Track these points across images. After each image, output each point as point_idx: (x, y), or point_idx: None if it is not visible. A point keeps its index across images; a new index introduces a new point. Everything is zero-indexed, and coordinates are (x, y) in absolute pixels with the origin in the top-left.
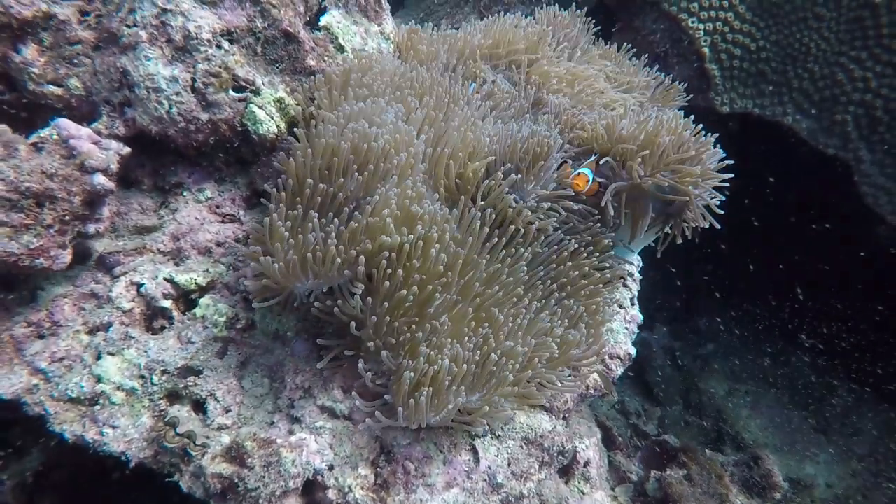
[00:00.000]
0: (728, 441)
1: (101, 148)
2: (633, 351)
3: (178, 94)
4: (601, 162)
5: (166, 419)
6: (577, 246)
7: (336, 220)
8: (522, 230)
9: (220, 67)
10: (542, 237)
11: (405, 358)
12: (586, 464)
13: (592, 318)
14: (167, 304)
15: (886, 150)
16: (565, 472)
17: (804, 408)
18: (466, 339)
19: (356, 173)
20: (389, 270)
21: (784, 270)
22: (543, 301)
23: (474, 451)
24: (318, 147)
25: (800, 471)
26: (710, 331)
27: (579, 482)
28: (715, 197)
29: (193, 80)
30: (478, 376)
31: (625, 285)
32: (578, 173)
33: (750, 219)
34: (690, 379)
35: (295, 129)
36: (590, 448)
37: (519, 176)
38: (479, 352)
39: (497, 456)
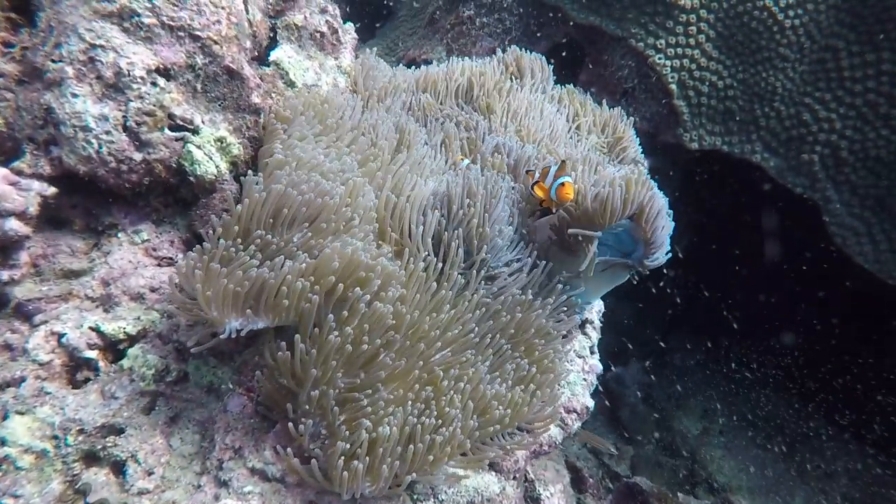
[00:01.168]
0: (702, 483)
1: (19, 189)
2: (590, 403)
3: (108, 132)
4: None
5: (77, 486)
6: (527, 297)
7: (284, 259)
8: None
9: (154, 105)
10: (492, 285)
11: (343, 424)
12: None
13: (545, 375)
14: (92, 354)
15: (852, 190)
16: None
17: (780, 448)
18: (409, 403)
19: (305, 226)
20: (333, 323)
21: (761, 308)
22: (492, 360)
23: None
24: (268, 194)
25: None
26: (685, 367)
27: None
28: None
29: (125, 118)
30: (414, 451)
31: (584, 333)
32: (562, 183)
33: (728, 256)
34: (664, 417)
35: (241, 178)
36: (555, 495)
37: (474, 222)
38: (419, 421)
39: None
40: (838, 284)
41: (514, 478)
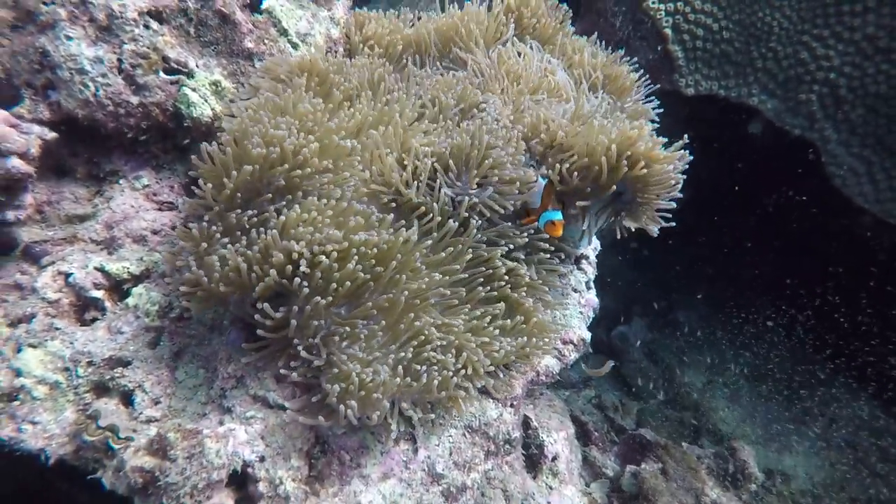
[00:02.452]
0: (706, 434)
1: (20, 132)
2: (587, 336)
3: (104, 75)
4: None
5: (88, 413)
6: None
7: (257, 228)
8: (457, 225)
9: (148, 48)
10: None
11: (337, 356)
12: (554, 458)
13: (545, 306)
14: (99, 294)
15: (851, 129)
16: (533, 467)
17: (783, 399)
18: (400, 344)
19: (280, 179)
20: (306, 279)
21: (764, 260)
22: (486, 294)
23: (413, 441)
24: (245, 150)
25: (778, 462)
26: (688, 322)
27: (547, 477)
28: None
29: (120, 61)
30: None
31: (580, 268)
32: (552, 222)
33: (728, 209)
34: (668, 372)
35: (220, 129)
36: (558, 442)
37: (464, 175)
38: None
39: (438, 445)
40: (839, 231)
41: (512, 405)
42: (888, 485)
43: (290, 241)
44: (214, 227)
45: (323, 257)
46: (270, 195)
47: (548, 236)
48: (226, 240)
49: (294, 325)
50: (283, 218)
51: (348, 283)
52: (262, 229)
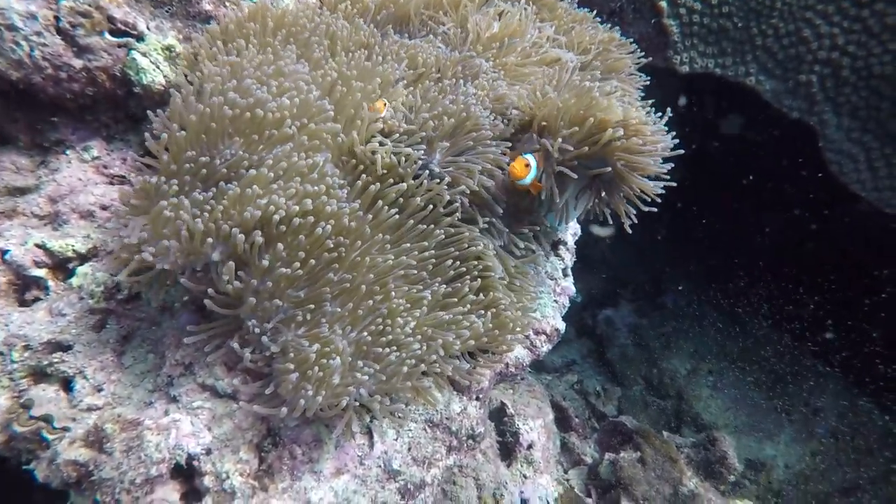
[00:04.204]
0: (688, 422)
1: None
2: (561, 326)
3: (38, 34)
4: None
5: (21, 401)
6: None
7: (213, 190)
8: (422, 203)
9: (89, 6)
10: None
11: (292, 340)
12: (530, 446)
13: (516, 294)
14: (41, 273)
15: (853, 113)
16: (507, 455)
17: (767, 387)
18: (358, 328)
19: (238, 140)
20: (264, 245)
21: (754, 246)
22: (451, 283)
23: (370, 435)
24: (197, 111)
25: (759, 452)
26: (676, 308)
27: (522, 465)
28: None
29: (57, 18)
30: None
31: (557, 255)
32: (519, 158)
33: (717, 193)
34: (653, 357)
35: (171, 90)
36: (535, 430)
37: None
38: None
39: (396, 440)
40: (832, 220)
41: (478, 398)
42: (869, 474)
43: (249, 207)
44: (166, 187)
45: (283, 227)
46: (229, 155)
47: (525, 221)
48: (181, 199)
49: (251, 302)
50: (251, 174)
51: (313, 261)
52: (224, 185)
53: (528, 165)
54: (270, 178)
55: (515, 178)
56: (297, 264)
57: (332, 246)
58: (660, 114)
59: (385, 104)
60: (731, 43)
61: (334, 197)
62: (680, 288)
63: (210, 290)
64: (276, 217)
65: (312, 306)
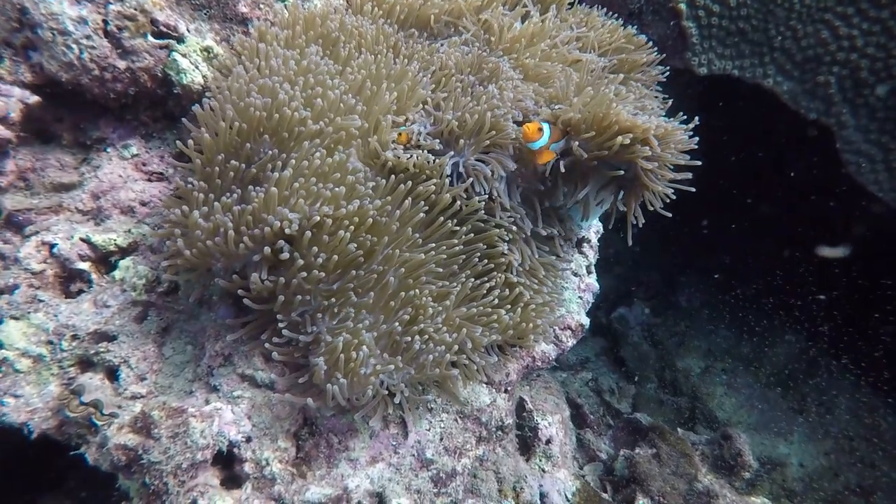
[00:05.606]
0: (702, 420)
1: None
2: (585, 321)
3: (88, 37)
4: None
5: (72, 387)
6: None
7: (244, 193)
8: (452, 200)
9: (135, 9)
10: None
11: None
12: (548, 441)
13: (541, 293)
14: (84, 266)
15: (871, 114)
16: (526, 450)
17: (781, 386)
18: (388, 319)
19: (267, 142)
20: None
21: (769, 246)
22: (479, 278)
23: (403, 425)
24: (230, 112)
25: (773, 450)
26: (690, 307)
27: (540, 460)
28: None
29: (105, 22)
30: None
31: (581, 252)
32: (534, 121)
33: (733, 192)
34: (667, 356)
35: (204, 98)
36: (553, 425)
37: (465, 142)
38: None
39: (429, 430)
40: (848, 221)
41: (506, 391)
42: (883, 473)
43: (283, 209)
44: (202, 195)
45: (308, 232)
46: (262, 156)
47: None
48: (214, 205)
49: (281, 300)
50: (275, 177)
51: (336, 257)
52: (253, 189)
53: (540, 129)
54: (312, 182)
55: (527, 140)
56: (335, 257)
57: (362, 242)
58: (685, 116)
59: (408, 136)
60: (749, 45)
61: (364, 196)
62: (694, 287)
63: (242, 291)
64: (315, 219)
65: (343, 299)
